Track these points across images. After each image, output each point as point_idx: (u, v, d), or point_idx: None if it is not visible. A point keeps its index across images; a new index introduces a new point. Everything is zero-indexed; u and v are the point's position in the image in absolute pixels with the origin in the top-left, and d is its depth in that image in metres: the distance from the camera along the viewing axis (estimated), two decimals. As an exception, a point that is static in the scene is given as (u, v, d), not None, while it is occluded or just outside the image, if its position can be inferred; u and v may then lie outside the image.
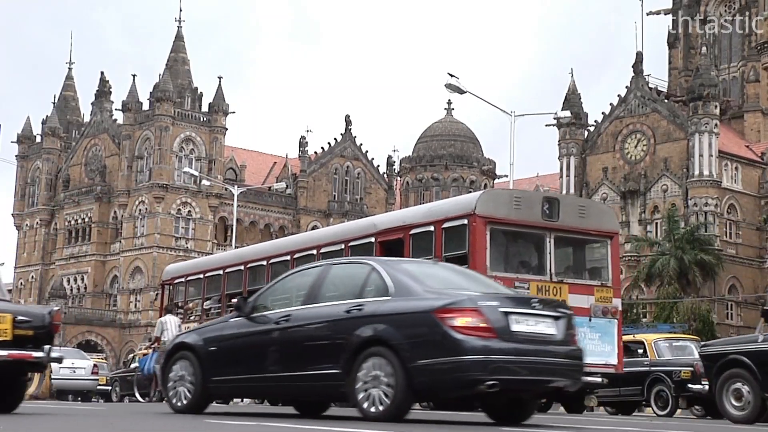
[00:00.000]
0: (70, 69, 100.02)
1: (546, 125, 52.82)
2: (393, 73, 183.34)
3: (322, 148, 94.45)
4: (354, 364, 9.25)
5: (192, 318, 23.04)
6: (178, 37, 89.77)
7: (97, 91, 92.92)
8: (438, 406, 15.88)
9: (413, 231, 16.87)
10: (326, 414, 11.56)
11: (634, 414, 22.17)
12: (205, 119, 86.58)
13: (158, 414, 11.51)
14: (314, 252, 19.19)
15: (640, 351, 21.50)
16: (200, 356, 10.82)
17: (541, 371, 9.23)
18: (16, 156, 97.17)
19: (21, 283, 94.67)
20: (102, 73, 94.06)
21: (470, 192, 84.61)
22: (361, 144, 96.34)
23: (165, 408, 11.59)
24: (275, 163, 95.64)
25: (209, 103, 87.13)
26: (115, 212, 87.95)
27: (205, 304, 22.98)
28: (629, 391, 20.97)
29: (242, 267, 21.55)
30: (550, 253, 16.42)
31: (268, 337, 10.30)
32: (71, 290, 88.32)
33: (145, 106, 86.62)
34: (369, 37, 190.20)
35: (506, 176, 50.49)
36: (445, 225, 16.33)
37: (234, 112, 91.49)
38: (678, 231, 61.54)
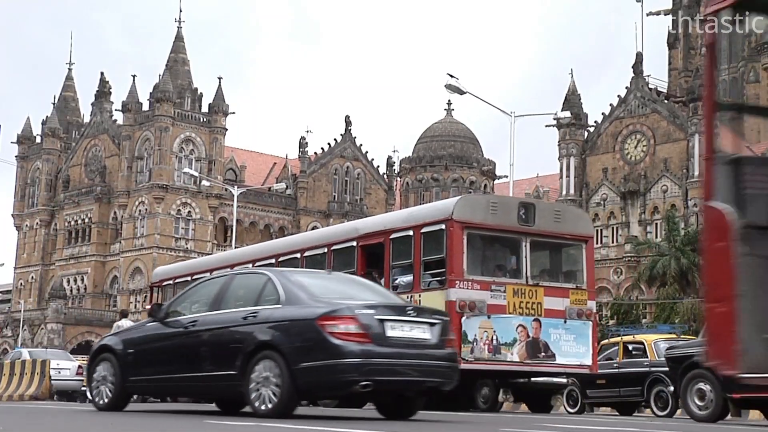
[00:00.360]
0: (70, 69, 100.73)
1: (546, 126, 53.14)
2: (393, 73, 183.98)
3: (322, 148, 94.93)
4: (248, 366, 10.04)
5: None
6: (178, 38, 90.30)
7: (97, 91, 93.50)
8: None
9: (393, 235, 17.41)
10: (327, 414, 12.36)
11: (634, 414, 22.42)
12: (205, 120, 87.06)
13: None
14: (298, 255, 19.68)
15: (640, 352, 21.71)
16: (120, 358, 11.66)
17: (414, 372, 10.11)
18: (16, 156, 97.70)
19: (21, 284, 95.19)
20: (102, 73, 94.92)
21: (470, 192, 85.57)
22: (361, 144, 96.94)
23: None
24: (275, 163, 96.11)
25: (209, 104, 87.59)
26: (115, 213, 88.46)
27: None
28: (629, 391, 21.29)
29: (229, 269, 21.72)
30: (526, 257, 16.97)
31: (178, 340, 11.18)
32: (71, 291, 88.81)
33: (145, 107, 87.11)
34: (369, 37, 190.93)
35: (506, 177, 50.99)
36: (424, 230, 16.88)
37: (234, 113, 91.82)
38: (678, 233, 61.92)
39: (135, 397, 14.63)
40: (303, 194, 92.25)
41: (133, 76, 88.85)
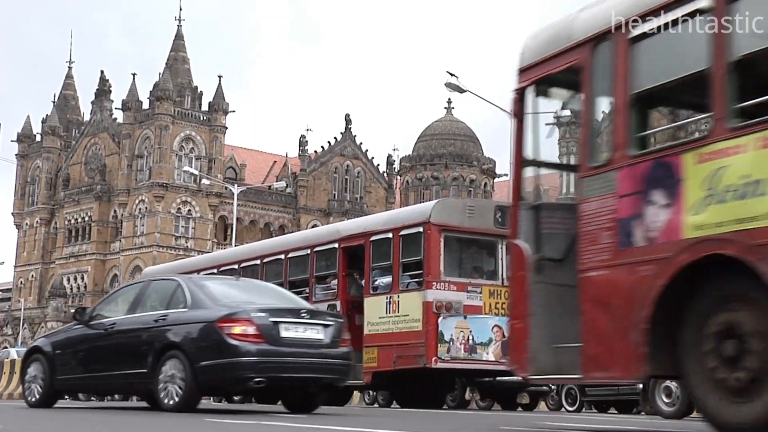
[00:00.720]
0: (70, 68, 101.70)
1: (546, 124, 53.49)
2: (393, 73, 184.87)
3: (322, 147, 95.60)
4: (158, 365, 10.97)
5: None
6: (178, 37, 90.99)
7: (97, 90, 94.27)
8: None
9: (373, 237, 17.91)
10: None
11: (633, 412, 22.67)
12: (205, 118, 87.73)
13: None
14: (282, 257, 20.17)
15: None
16: (48, 359, 12.64)
17: (307, 369, 11.09)
18: (16, 155, 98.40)
19: (21, 282, 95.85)
20: (102, 72, 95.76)
21: (470, 191, 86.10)
22: (361, 143, 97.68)
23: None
24: (275, 162, 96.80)
25: (209, 102, 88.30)
26: (115, 211, 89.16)
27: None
28: (627, 389, 21.68)
29: (215, 270, 22.33)
30: (502, 259, 17.56)
31: (99, 341, 12.15)
32: (71, 289, 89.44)
33: (145, 105, 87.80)
34: (369, 37, 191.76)
35: (506, 175, 51.58)
36: (403, 232, 17.45)
37: (234, 111, 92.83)
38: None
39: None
40: (303, 193, 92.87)
41: (133, 75, 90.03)
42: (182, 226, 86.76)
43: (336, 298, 18.18)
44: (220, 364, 10.61)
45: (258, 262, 20.81)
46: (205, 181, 79.82)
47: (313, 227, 77.36)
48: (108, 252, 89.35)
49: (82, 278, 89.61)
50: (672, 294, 6.41)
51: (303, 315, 11.20)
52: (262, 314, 10.81)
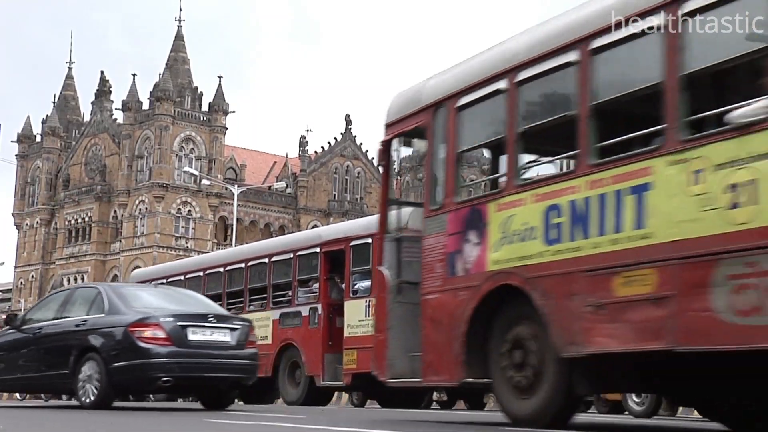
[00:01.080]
0: (70, 69, 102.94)
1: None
2: (393, 73, 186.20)
3: (322, 147, 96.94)
4: (78, 366, 12.25)
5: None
6: (178, 37, 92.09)
7: (97, 90, 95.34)
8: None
9: (353, 243, 18.51)
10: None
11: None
12: (205, 119, 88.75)
13: None
14: (266, 260, 20.99)
15: None
16: None
17: (213, 369, 12.38)
18: (16, 155, 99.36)
19: (21, 283, 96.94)
20: (102, 72, 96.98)
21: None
22: (361, 143, 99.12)
23: None
24: (275, 162, 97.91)
25: (209, 103, 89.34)
26: (115, 212, 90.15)
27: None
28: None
29: (201, 273, 23.19)
30: None
31: (28, 344, 13.45)
32: None
33: (145, 106, 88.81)
34: (369, 37, 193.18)
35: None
36: None
37: (234, 112, 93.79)
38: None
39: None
40: (303, 193, 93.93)
41: (133, 75, 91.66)
42: (182, 227, 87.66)
43: (317, 301, 18.85)
44: (132, 365, 11.87)
45: (242, 265, 21.64)
46: (205, 182, 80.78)
47: (313, 227, 78.71)
48: (108, 252, 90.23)
49: (83, 279, 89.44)
50: (481, 314, 8.28)
51: (210, 320, 12.44)
52: (171, 319, 12.07)
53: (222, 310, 14.39)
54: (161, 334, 11.93)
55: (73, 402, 13.55)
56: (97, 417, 10.45)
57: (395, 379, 9.53)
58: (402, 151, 10.11)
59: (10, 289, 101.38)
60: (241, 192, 61.67)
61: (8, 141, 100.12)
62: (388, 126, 9.87)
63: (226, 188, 75.28)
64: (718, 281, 6.16)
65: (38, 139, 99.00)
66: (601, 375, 7.59)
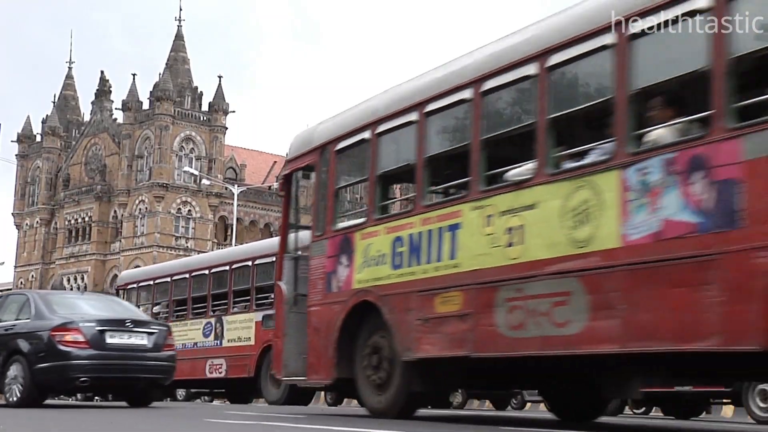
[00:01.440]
0: (70, 68, 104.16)
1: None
2: (393, 73, 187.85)
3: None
4: (5, 368, 13.40)
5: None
6: (178, 37, 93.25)
7: (97, 90, 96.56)
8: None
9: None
10: (329, 413, 16.53)
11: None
12: (205, 118, 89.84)
13: None
14: (249, 263, 21.89)
15: None
16: None
17: (130, 370, 13.54)
18: (16, 155, 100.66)
19: (21, 283, 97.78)
20: (102, 72, 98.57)
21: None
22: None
23: None
24: (275, 162, 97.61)
25: (209, 103, 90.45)
26: (115, 211, 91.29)
27: (154, 308, 25.66)
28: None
29: (187, 275, 24.42)
30: None
31: None
32: (71, 289, 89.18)
33: (145, 106, 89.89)
34: (369, 37, 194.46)
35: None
36: None
37: (234, 112, 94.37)
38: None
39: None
40: (303, 193, 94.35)
41: (133, 75, 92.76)
42: (182, 227, 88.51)
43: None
44: (53, 366, 12.98)
45: (227, 267, 22.69)
46: (205, 182, 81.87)
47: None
48: (108, 252, 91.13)
49: (82, 278, 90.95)
50: (349, 324, 10.20)
51: (128, 324, 13.58)
52: (90, 324, 13.21)
53: (142, 316, 15.63)
54: (81, 338, 13.10)
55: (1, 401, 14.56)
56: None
57: (289, 377, 11.42)
58: (302, 182, 11.94)
59: (10, 289, 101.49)
60: (241, 192, 62.55)
61: (8, 141, 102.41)
62: (288, 162, 11.85)
63: (226, 188, 76.37)
64: (500, 303, 8.09)
65: (38, 138, 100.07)
66: (432, 376, 9.49)
